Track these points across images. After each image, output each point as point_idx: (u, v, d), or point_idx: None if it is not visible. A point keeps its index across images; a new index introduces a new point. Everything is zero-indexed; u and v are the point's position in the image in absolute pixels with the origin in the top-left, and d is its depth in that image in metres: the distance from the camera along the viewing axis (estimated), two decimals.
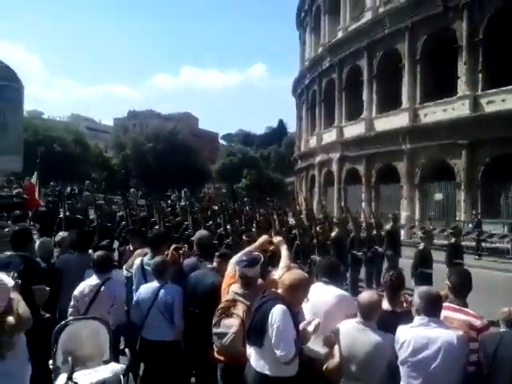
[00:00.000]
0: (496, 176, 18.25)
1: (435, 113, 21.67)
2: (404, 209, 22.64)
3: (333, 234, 9.63)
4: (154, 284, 4.36)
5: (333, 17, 30.44)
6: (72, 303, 4.29)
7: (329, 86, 30.47)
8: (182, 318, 4.26)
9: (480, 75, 19.97)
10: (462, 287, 3.65)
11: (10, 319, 2.55)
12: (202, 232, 5.55)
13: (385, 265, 10.19)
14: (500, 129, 17.90)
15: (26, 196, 15.33)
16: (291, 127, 74.93)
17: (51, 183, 20.69)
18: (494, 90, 19.27)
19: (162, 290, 4.28)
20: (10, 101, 9.07)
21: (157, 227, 7.47)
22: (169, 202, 13.24)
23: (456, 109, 20.58)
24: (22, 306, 2.64)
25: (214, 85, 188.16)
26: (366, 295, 3.44)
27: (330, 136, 29.95)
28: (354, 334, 3.34)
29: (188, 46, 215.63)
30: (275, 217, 9.10)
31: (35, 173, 18.46)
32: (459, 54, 20.64)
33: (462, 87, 20.55)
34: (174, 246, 4.86)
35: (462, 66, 20.48)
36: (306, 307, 3.70)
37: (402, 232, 17.64)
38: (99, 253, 4.55)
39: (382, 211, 18.42)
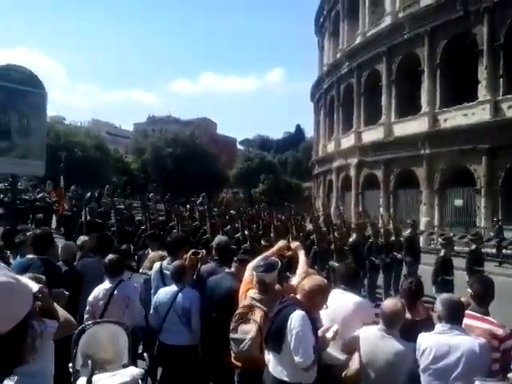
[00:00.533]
0: None
1: (455, 118, 21.42)
2: (423, 215, 22.38)
3: (351, 239, 9.58)
4: (173, 288, 4.39)
5: (352, 22, 30.38)
6: (87, 308, 4.35)
7: (347, 91, 30.38)
8: (199, 323, 4.28)
9: (501, 80, 19.70)
10: (484, 295, 3.58)
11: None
12: (220, 237, 5.58)
13: (403, 271, 10.07)
14: None
15: (56, 201, 15.63)
16: (309, 132, 74.92)
17: (72, 187, 21.00)
18: None
19: (179, 294, 4.31)
20: (33, 106, 9.23)
21: (175, 231, 7.53)
22: (187, 206, 13.33)
23: (476, 114, 20.30)
24: (59, 310, 2.68)
25: (232, 90, 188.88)
26: (389, 303, 3.40)
27: (348, 141, 29.82)
28: (376, 341, 3.31)
29: (207, 52, 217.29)
30: (293, 222, 9.08)
31: (61, 177, 18.77)
32: (480, 59, 20.39)
33: (482, 92, 20.28)
34: (192, 251, 4.89)
35: (483, 71, 20.22)
36: (324, 313, 3.67)
37: (421, 238, 17.41)
38: (110, 257, 4.61)
39: (400, 217, 18.24)
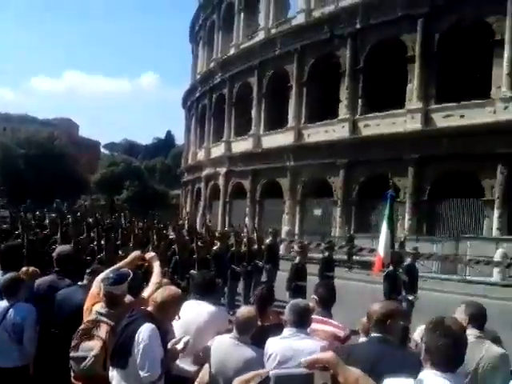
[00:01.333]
0: (369, 194, 19.68)
1: (318, 133, 22.98)
2: (285, 223, 23.50)
3: (214, 248, 9.61)
4: (3, 303, 3.92)
5: (226, 33, 30.92)
6: None
7: (219, 101, 30.81)
8: (32, 341, 3.88)
9: (359, 100, 21.62)
10: (327, 299, 3.81)
11: None
12: (62, 247, 5.11)
13: (263, 278, 10.38)
14: (374, 151, 19.59)
15: None
16: (179, 139, 74.56)
17: None
18: (371, 115, 21.04)
19: (11, 310, 3.86)
20: None
21: (19, 240, 6.75)
22: (37, 212, 12.16)
23: (336, 131, 22.02)
24: None
25: (100, 91, 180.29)
26: (244, 310, 3.43)
27: (218, 150, 30.23)
28: (228, 349, 3.29)
29: (75, 50, 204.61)
30: (154, 231, 8.81)
31: None
32: (342, 79, 22.12)
33: (343, 110, 22.02)
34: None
35: (344, 91, 21.98)
36: (177, 325, 3.57)
37: (282, 246, 18.28)
38: None
39: (265, 226, 18.92)
